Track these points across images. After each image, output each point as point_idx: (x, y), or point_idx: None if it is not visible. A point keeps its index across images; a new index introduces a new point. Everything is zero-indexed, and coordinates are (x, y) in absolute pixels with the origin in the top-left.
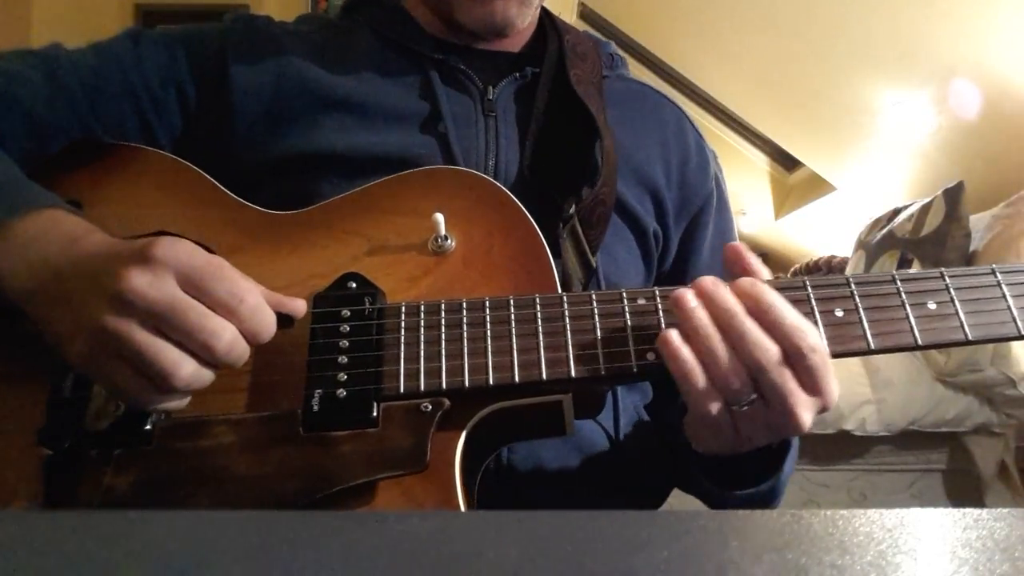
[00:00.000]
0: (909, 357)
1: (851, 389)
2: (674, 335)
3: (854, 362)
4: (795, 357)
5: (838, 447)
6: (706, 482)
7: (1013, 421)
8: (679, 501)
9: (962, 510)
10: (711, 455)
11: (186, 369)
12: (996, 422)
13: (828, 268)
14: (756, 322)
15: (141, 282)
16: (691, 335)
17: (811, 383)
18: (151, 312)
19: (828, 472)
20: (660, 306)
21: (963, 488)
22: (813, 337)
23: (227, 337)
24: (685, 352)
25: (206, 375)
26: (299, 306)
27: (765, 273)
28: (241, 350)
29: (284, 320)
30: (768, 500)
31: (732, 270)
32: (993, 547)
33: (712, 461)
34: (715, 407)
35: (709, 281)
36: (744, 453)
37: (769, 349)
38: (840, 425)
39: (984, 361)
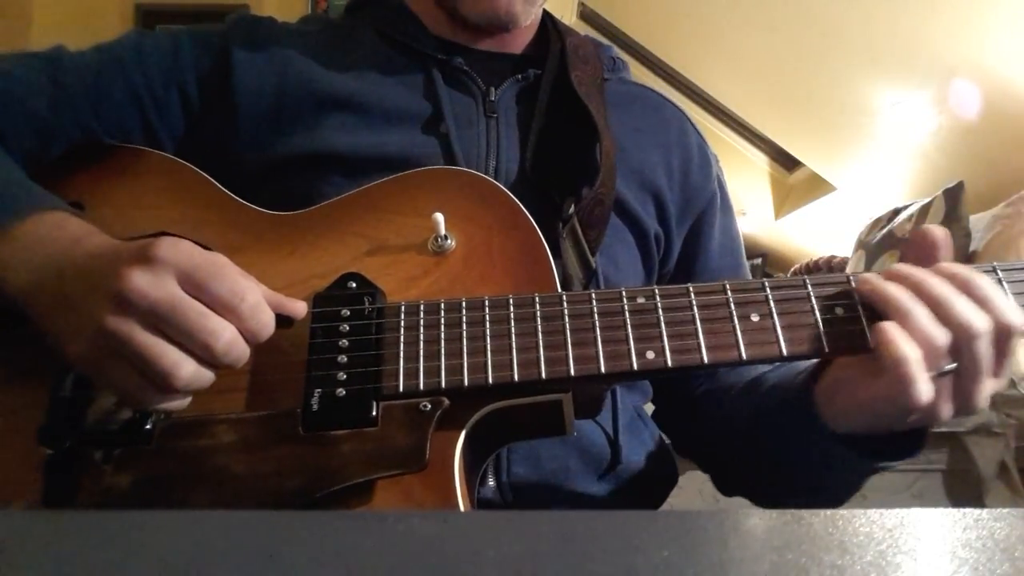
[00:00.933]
0: None
1: None
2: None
3: None
4: (1003, 335)
5: None
6: (848, 452)
7: (1013, 421)
8: (679, 501)
9: (962, 510)
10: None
11: (186, 369)
12: (996, 422)
13: (828, 268)
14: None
15: (142, 282)
16: (902, 316)
17: (1000, 363)
18: (152, 312)
19: None
20: (660, 305)
21: (963, 488)
22: (1021, 317)
23: (226, 337)
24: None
25: (206, 375)
26: (299, 308)
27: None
28: (240, 350)
29: (283, 320)
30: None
31: (926, 256)
32: (993, 547)
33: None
34: (923, 379)
35: (906, 266)
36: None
37: (980, 318)
38: None
39: None
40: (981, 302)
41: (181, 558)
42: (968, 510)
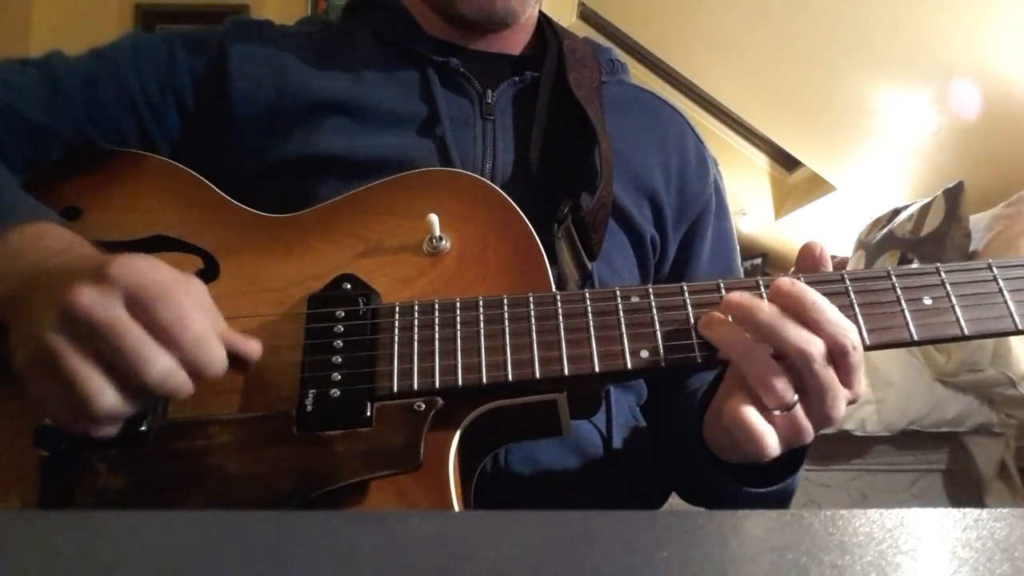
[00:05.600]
0: (909, 357)
1: None
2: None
3: None
4: (838, 354)
5: (838, 447)
6: (721, 477)
7: (1013, 421)
8: (679, 501)
9: (962, 510)
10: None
11: (107, 400)
12: (996, 422)
13: None
14: (796, 321)
15: (87, 299)
16: (735, 356)
17: (848, 378)
18: (90, 331)
19: (828, 472)
20: (654, 304)
21: (963, 488)
22: (854, 334)
23: (160, 366)
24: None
25: (131, 409)
26: (252, 348)
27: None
28: (177, 382)
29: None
30: (780, 502)
31: (802, 268)
32: (993, 547)
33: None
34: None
35: (736, 296)
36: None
37: (813, 343)
38: (840, 425)
39: (984, 361)
40: (812, 324)
41: (179, 558)
42: (968, 510)
